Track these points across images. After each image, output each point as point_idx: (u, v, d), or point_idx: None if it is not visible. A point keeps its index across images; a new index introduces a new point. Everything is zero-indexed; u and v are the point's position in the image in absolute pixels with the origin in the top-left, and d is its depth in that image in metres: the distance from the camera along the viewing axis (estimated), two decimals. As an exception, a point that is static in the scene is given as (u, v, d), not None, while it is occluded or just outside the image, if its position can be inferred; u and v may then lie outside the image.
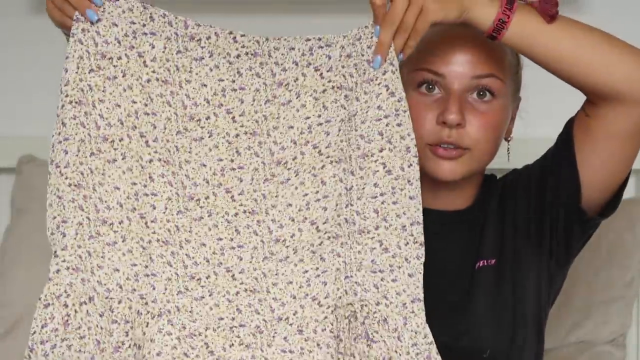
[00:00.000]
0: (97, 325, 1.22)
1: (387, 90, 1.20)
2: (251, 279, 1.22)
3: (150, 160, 1.23)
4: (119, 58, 1.22)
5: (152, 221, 1.23)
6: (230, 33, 1.22)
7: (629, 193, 2.05)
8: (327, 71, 1.22)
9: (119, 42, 1.22)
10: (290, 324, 1.22)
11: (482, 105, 1.34)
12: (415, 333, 1.20)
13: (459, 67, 1.33)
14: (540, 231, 1.39)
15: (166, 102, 1.23)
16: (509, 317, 1.38)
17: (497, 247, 1.41)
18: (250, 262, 1.23)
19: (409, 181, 1.21)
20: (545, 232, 1.39)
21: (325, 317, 1.22)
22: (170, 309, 1.22)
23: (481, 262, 1.40)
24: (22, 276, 1.88)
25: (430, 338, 1.21)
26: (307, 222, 1.23)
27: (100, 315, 1.22)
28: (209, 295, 1.22)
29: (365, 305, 1.22)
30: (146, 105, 1.23)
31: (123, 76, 1.23)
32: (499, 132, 1.37)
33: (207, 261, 1.22)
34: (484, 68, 1.33)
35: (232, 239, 1.23)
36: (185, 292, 1.22)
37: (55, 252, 1.24)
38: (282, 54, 1.23)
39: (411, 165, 1.21)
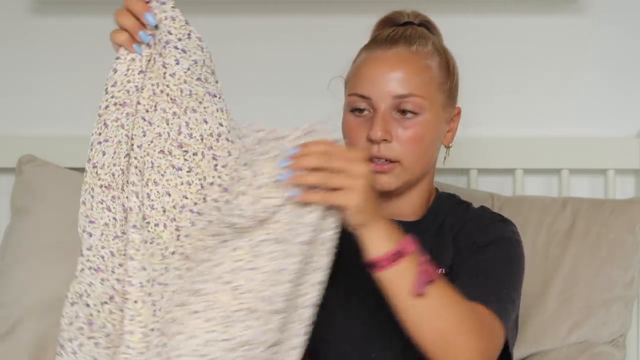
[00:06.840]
0: (121, 321, 1.21)
1: None
2: None
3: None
4: (148, 60, 1.22)
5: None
6: None
7: (629, 193, 2.05)
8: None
9: (149, 46, 1.22)
10: None
11: (406, 122, 1.44)
12: None
13: (382, 88, 1.44)
14: None
15: (165, 119, 1.22)
16: None
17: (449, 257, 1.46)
18: None
19: None
20: None
21: None
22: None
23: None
24: (22, 276, 1.87)
25: None
26: None
27: (122, 311, 1.21)
28: None
29: None
30: (147, 111, 1.22)
31: (143, 75, 1.22)
32: (425, 145, 1.45)
33: None
34: (405, 88, 1.43)
35: (162, 274, 1.22)
36: None
37: (82, 250, 1.24)
38: None
39: None
